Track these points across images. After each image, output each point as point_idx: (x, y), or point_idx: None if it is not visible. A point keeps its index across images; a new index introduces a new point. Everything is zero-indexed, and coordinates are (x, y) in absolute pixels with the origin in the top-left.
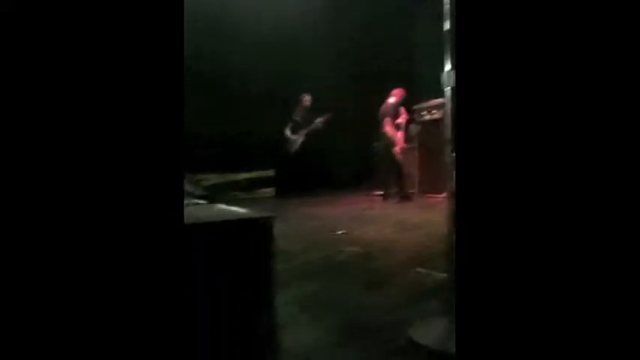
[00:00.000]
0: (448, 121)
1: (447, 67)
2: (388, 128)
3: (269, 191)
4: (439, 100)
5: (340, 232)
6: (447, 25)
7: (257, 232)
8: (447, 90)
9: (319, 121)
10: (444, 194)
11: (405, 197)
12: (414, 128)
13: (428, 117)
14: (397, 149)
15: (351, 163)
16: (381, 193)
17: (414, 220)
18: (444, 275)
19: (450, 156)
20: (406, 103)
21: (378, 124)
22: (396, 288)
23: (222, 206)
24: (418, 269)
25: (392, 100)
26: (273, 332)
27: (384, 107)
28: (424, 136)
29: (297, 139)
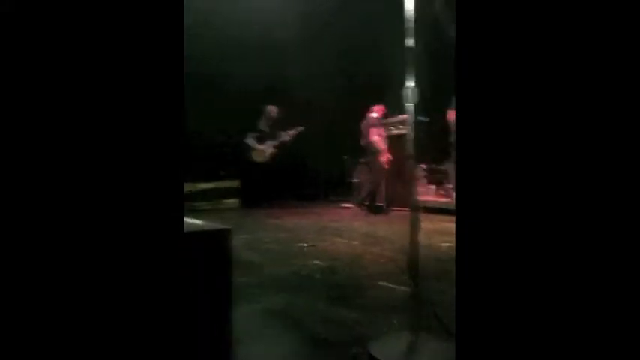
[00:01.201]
0: (411, 136)
1: (410, 83)
2: (376, 138)
3: (234, 202)
4: (404, 116)
5: (306, 245)
6: (409, 43)
7: (212, 244)
8: (410, 106)
9: (289, 134)
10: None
11: (377, 209)
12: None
13: (395, 132)
14: (384, 160)
15: (320, 174)
16: (363, 204)
17: (381, 233)
18: (407, 289)
19: (412, 170)
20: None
21: (355, 137)
22: (360, 302)
23: None
24: (383, 283)
25: (374, 114)
26: (229, 348)
27: (368, 120)
28: (391, 150)
29: (264, 149)
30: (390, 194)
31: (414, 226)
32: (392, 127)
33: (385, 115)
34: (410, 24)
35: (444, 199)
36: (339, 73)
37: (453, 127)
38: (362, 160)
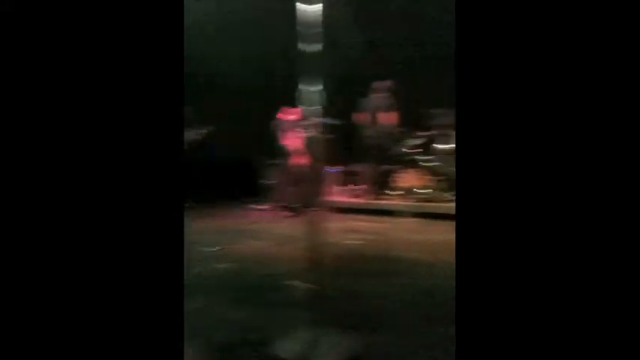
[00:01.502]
0: (321, 138)
1: (309, 87)
2: (291, 140)
3: None
4: (316, 118)
5: (217, 249)
6: (310, 48)
7: None
8: (315, 109)
9: (197, 133)
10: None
11: (292, 210)
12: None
13: (311, 134)
14: (300, 161)
15: (236, 175)
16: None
17: (295, 234)
18: (314, 287)
19: (320, 171)
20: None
21: (269, 138)
22: (267, 302)
23: None
24: (291, 282)
25: (290, 117)
26: None
27: (285, 122)
28: (308, 152)
29: None
30: (307, 195)
31: (316, 226)
32: (308, 130)
33: (302, 118)
34: (312, 30)
35: (355, 200)
36: (255, 74)
37: (363, 130)
38: (277, 162)
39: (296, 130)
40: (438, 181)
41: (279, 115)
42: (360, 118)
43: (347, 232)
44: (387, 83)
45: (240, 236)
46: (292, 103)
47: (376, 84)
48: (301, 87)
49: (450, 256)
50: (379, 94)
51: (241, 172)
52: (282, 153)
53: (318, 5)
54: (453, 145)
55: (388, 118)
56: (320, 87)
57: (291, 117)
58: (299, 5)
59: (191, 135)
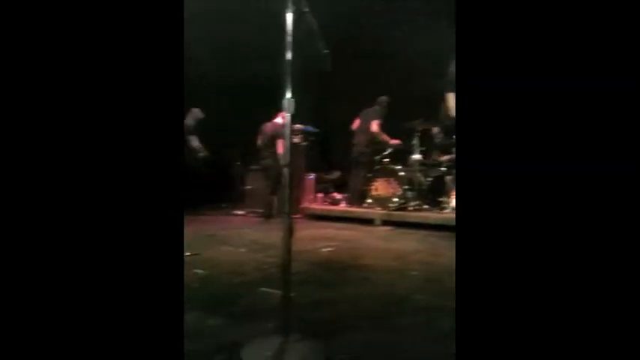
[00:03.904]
0: (288, 144)
1: (288, 94)
2: (280, 145)
3: None
4: (296, 126)
5: (189, 254)
6: (288, 56)
7: None
8: (287, 116)
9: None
10: (299, 215)
11: (269, 216)
12: None
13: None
14: (283, 168)
15: (215, 180)
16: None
17: (268, 240)
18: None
19: (301, 178)
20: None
21: (247, 144)
22: (237, 309)
23: None
24: (262, 289)
25: (280, 120)
26: None
27: (276, 127)
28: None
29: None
30: (285, 201)
31: (292, 233)
32: (289, 136)
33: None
34: (288, 38)
35: (331, 207)
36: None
37: (344, 139)
38: (254, 167)
39: (279, 137)
40: (407, 190)
41: (273, 119)
42: (347, 127)
43: (321, 240)
44: (383, 98)
45: (214, 242)
46: (275, 108)
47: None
48: (284, 92)
49: (415, 264)
50: (374, 106)
51: (221, 177)
52: (263, 158)
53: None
54: (420, 156)
55: (371, 129)
56: (289, 96)
57: (276, 122)
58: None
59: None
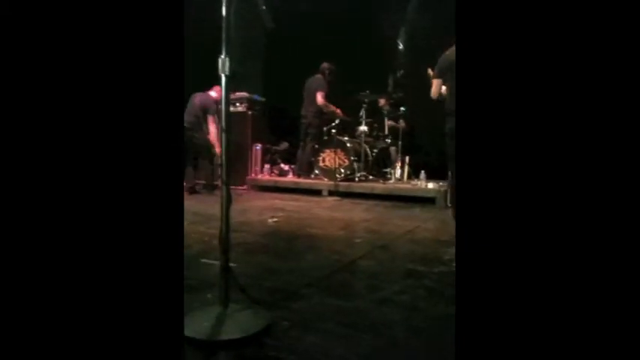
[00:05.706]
0: (223, 109)
1: (222, 54)
2: (212, 128)
3: None
4: (242, 94)
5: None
6: (223, 12)
7: None
8: (222, 77)
9: None
10: (245, 186)
11: (211, 188)
12: None
13: (232, 109)
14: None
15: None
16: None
17: (211, 212)
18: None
19: (247, 149)
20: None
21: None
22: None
23: None
24: (203, 260)
25: (214, 94)
26: None
27: (207, 102)
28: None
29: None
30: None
31: (226, 203)
32: (234, 106)
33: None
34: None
35: (277, 178)
36: None
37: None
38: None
39: (210, 114)
40: (354, 161)
41: (210, 94)
42: (297, 96)
43: (268, 211)
44: (325, 65)
45: None
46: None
47: (323, 65)
48: (223, 58)
49: (361, 232)
50: (317, 74)
51: None
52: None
53: None
54: (366, 128)
55: (318, 99)
56: (223, 56)
57: (209, 95)
58: None
59: None
